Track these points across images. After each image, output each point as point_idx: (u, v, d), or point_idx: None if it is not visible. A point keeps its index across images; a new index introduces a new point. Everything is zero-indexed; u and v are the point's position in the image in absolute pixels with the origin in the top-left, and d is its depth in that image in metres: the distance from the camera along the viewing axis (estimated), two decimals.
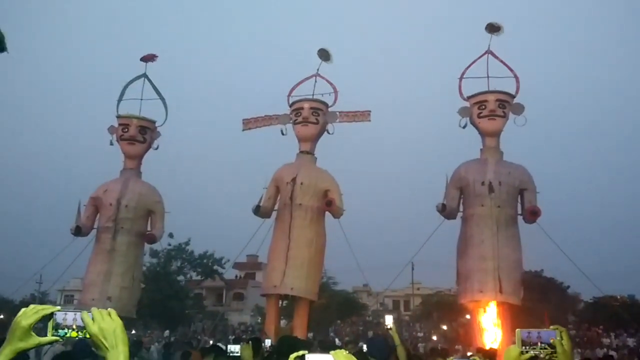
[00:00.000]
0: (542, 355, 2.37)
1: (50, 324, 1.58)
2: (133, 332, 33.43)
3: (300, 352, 1.75)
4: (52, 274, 19.91)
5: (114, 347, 1.54)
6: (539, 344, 2.36)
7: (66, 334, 1.59)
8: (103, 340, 1.55)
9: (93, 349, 1.57)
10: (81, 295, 17.14)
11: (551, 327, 2.40)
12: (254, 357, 5.31)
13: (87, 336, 1.57)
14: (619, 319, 29.50)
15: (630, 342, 27.34)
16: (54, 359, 6.03)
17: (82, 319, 1.57)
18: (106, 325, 1.56)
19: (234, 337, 20.64)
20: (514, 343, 2.62)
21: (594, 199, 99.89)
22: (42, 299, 39.32)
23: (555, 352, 2.31)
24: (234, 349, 5.36)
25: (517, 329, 2.47)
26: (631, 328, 29.54)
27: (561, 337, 2.33)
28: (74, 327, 1.58)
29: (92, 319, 1.57)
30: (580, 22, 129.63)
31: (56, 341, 1.60)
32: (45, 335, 1.59)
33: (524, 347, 2.39)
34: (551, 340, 2.34)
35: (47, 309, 1.59)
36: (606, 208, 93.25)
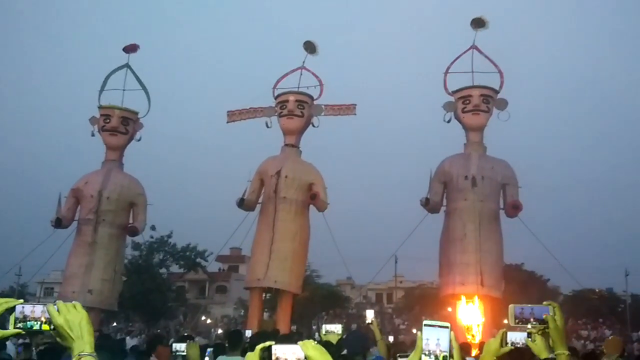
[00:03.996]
0: (534, 331, 2.37)
1: (12, 317, 1.59)
2: (114, 324, 33.19)
3: (268, 343, 1.73)
4: (32, 266, 19.69)
5: (79, 337, 1.57)
6: (532, 319, 2.37)
7: (33, 326, 1.60)
8: (69, 331, 1.57)
9: (57, 339, 1.58)
10: (61, 288, 16.94)
11: (544, 302, 2.40)
12: (232, 349, 5.26)
13: (52, 328, 1.58)
14: (598, 311, 30.10)
15: (608, 334, 27.89)
16: (39, 354, 5.88)
17: (47, 311, 1.58)
18: (72, 317, 1.58)
19: (222, 330, 20.30)
20: (494, 336, 2.62)
21: (575, 194, 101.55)
22: (21, 292, 38.78)
23: (548, 328, 2.32)
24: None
25: (510, 305, 2.47)
26: (609, 320, 30.17)
27: (554, 313, 2.34)
28: (43, 319, 1.59)
29: (58, 310, 1.59)
30: (566, 16, 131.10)
31: (19, 333, 1.61)
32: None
33: (517, 322, 2.39)
34: (544, 316, 2.35)
35: (9, 302, 1.61)
36: (587, 203, 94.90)
